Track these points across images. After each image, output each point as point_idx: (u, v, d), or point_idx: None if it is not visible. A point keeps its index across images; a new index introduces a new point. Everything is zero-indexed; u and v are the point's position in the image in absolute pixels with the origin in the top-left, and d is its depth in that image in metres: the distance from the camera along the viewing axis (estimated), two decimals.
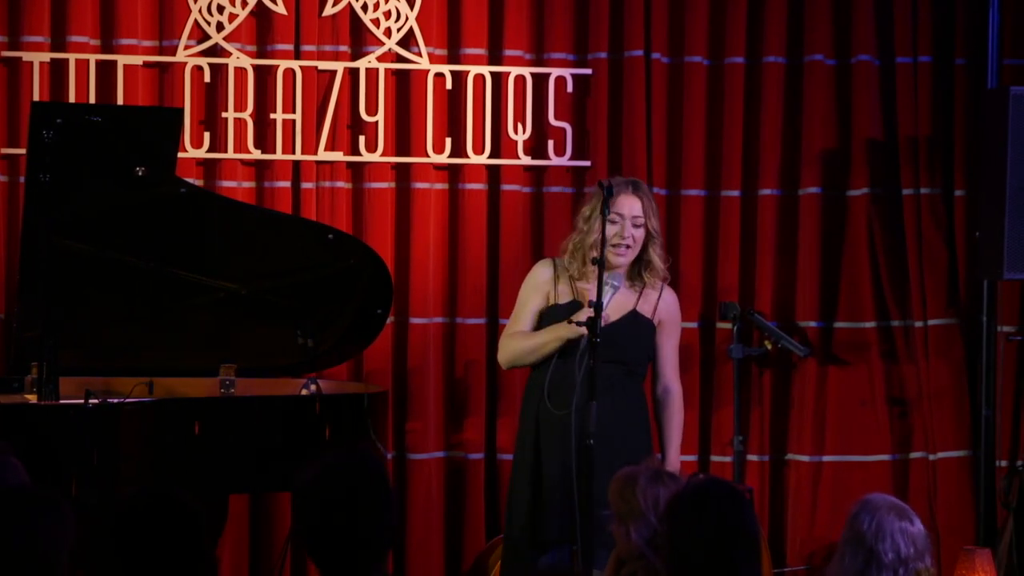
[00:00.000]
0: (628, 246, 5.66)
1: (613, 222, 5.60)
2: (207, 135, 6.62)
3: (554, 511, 5.59)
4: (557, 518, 5.58)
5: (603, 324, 5.42)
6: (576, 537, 5.46)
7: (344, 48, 6.73)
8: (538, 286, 5.77)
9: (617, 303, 5.61)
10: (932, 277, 7.02)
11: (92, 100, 6.46)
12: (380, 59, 6.73)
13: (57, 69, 6.49)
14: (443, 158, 6.76)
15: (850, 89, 6.99)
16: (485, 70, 6.78)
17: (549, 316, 5.71)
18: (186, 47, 6.59)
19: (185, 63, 6.57)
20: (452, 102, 6.78)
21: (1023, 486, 6.84)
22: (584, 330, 5.43)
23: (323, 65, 6.69)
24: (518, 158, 6.82)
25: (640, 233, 5.67)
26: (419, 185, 6.76)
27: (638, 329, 5.72)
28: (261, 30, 6.69)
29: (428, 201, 6.75)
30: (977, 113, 6.89)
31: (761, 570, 3.66)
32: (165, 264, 5.94)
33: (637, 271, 5.74)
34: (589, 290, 5.60)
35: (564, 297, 5.71)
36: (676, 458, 5.82)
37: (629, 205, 5.66)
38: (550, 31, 6.86)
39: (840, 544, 4.34)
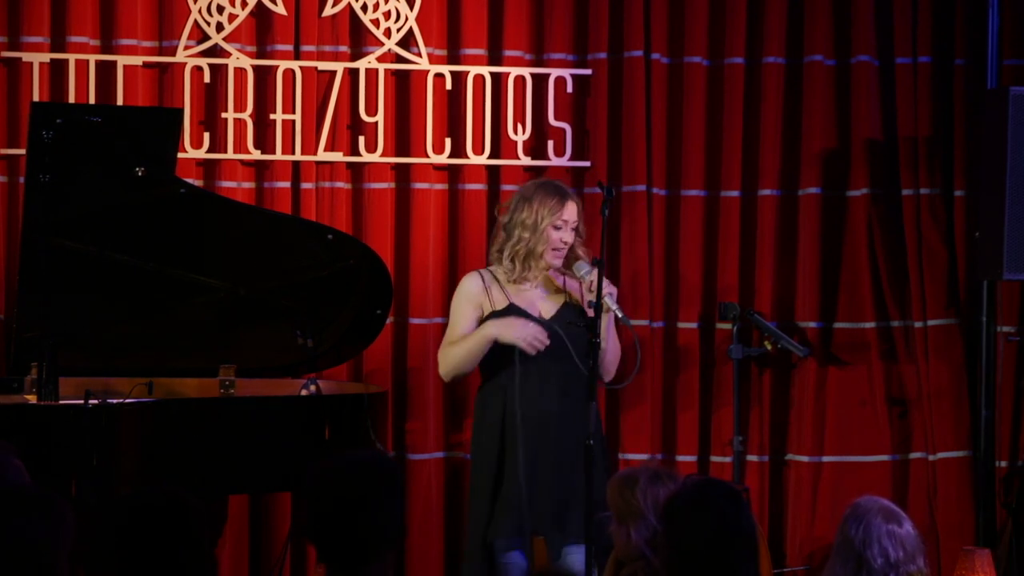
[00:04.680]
0: (564, 249, 5.85)
1: (558, 228, 5.81)
2: (207, 135, 6.62)
3: (511, 509, 5.66)
4: (512, 518, 5.66)
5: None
6: (528, 531, 5.65)
7: (344, 48, 6.73)
8: (470, 298, 5.89)
9: (550, 301, 5.84)
10: (932, 277, 7.01)
11: (92, 100, 6.46)
12: (380, 59, 6.73)
13: (57, 69, 6.49)
14: (443, 158, 6.76)
15: (850, 89, 6.99)
16: (485, 70, 6.78)
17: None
18: (186, 47, 6.59)
19: (185, 63, 6.57)
20: (452, 102, 6.78)
21: (1023, 486, 6.84)
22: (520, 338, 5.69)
23: (323, 65, 6.69)
24: (518, 158, 6.82)
25: (572, 236, 5.86)
26: (419, 185, 6.76)
27: (574, 319, 5.78)
28: (261, 30, 6.69)
29: (428, 201, 6.76)
30: (977, 113, 6.89)
31: (759, 570, 3.66)
32: (165, 264, 5.94)
33: (566, 267, 5.90)
34: (526, 290, 5.83)
35: (500, 303, 5.84)
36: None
37: (571, 211, 5.85)
38: (550, 31, 6.86)
39: (832, 551, 4.34)
